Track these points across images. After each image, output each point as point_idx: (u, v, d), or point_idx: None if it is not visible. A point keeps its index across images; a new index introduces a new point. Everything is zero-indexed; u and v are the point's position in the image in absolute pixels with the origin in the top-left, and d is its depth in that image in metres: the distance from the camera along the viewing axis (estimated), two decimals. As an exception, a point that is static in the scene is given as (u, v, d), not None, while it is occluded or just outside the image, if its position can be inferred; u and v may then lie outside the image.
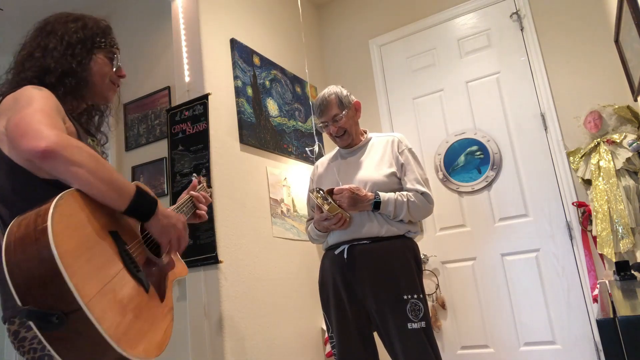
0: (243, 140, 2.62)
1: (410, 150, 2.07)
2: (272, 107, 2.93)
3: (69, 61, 1.21)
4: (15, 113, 1.03)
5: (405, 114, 3.34)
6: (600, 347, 2.53)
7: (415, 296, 1.86)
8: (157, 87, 2.94)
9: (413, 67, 3.37)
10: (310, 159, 3.15)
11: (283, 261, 2.72)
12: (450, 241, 3.06)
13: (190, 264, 2.32)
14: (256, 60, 2.89)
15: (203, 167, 2.39)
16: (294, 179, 2.99)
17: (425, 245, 3.03)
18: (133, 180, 2.88)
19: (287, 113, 3.06)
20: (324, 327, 2.62)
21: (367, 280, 1.90)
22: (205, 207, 1.52)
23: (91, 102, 1.31)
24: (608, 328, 0.81)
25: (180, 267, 1.33)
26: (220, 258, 2.28)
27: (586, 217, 2.62)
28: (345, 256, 1.95)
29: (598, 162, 2.49)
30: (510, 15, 3.06)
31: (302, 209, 2.95)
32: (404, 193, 1.95)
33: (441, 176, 3.14)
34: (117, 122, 3.04)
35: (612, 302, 1.09)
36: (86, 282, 0.88)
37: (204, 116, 2.44)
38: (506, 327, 2.82)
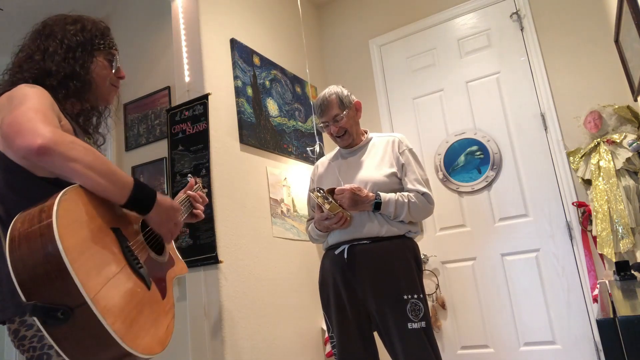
0: (243, 140, 2.62)
1: (410, 150, 2.07)
2: (272, 107, 2.93)
3: (71, 64, 1.22)
4: (9, 112, 1.03)
5: (405, 114, 3.34)
6: (600, 347, 2.53)
7: (416, 296, 1.86)
8: (157, 87, 2.94)
9: (413, 67, 3.37)
10: (310, 159, 3.15)
11: (283, 261, 2.72)
12: (450, 241, 3.06)
13: (190, 264, 2.32)
14: (256, 60, 2.89)
15: (203, 167, 2.39)
16: (294, 179, 2.99)
17: (425, 245, 3.03)
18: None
19: (287, 113, 3.06)
20: (324, 327, 2.62)
21: (367, 280, 1.90)
22: (202, 207, 1.53)
23: (92, 104, 1.31)
24: (608, 328, 0.81)
25: (180, 265, 1.33)
26: (220, 258, 2.28)
27: (586, 217, 2.62)
28: (345, 256, 1.95)
29: (598, 162, 2.49)
30: (510, 15, 3.06)
31: (302, 209, 2.95)
32: (405, 194, 1.95)
33: (441, 176, 3.14)
34: (117, 123, 3.04)
35: (612, 302, 1.09)
36: (91, 277, 0.88)
37: (204, 116, 2.44)
38: (506, 327, 2.82)
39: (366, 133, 2.19)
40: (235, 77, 2.68)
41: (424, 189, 1.98)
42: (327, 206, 1.87)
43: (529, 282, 2.80)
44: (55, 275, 0.85)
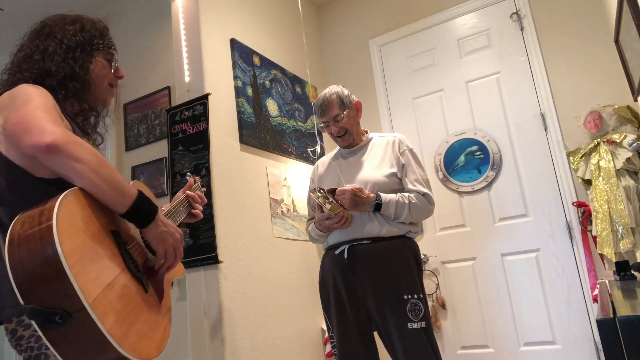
0: (243, 140, 2.62)
1: (411, 150, 2.07)
2: (272, 107, 2.93)
3: (70, 65, 1.22)
4: (13, 111, 1.03)
5: (405, 114, 3.34)
6: (600, 347, 2.53)
7: (416, 296, 1.87)
8: (157, 87, 2.94)
9: (413, 67, 3.37)
10: (310, 159, 3.15)
11: (283, 261, 2.72)
12: (450, 241, 3.06)
13: (190, 264, 2.32)
14: (256, 60, 2.89)
15: (203, 167, 2.39)
16: (294, 179, 2.99)
17: (425, 245, 3.03)
18: (133, 180, 2.88)
19: (287, 113, 3.06)
20: (324, 327, 2.62)
21: (368, 280, 1.90)
22: (200, 207, 1.53)
23: (90, 104, 1.31)
24: (608, 328, 0.81)
25: (177, 267, 1.33)
26: (220, 258, 2.28)
27: (586, 217, 2.62)
28: (345, 256, 1.95)
29: (598, 162, 2.49)
30: (510, 15, 3.06)
31: (302, 209, 2.95)
32: (405, 194, 1.95)
33: (441, 176, 3.14)
34: (115, 123, 3.04)
35: (612, 302, 1.09)
36: (90, 281, 0.88)
37: (204, 116, 2.44)
38: (506, 327, 2.82)
39: (366, 133, 2.19)
40: (235, 77, 2.68)
41: (425, 190, 1.98)
42: (327, 206, 1.87)
43: (529, 282, 2.80)
44: (54, 279, 0.84)
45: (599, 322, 0.84)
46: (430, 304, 2.92)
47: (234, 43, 2.73)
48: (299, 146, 3.10)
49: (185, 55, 2.57)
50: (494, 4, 3.13)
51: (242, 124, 2.63)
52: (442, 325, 2.99)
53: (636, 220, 2.33)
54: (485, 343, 2.87)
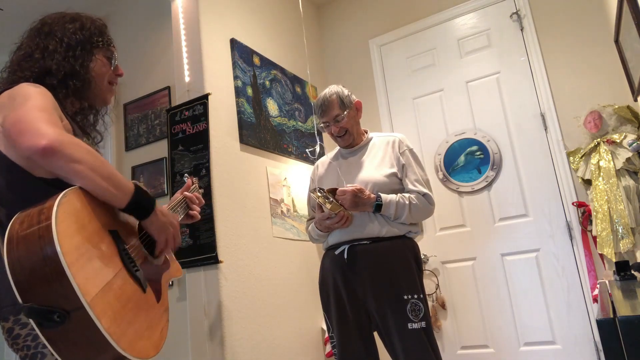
0: (243, 140, 2.62)
1: (411, 150, 2.07)
2: (272, 107, 2.93)
3: (71, 63, 1.22)
4: (12, 111, 1.03)
5: (405, 114, 3.34)
6: (600, 347, 2.53)
7: (416, 296, 1.86)
8: (157, 87, 2.94)
9: (413, 67, 3.37)
10: (310, 159, 3.15)
11: (283, 261, 2.72)
12: (450, 241, 3.06)
13: (190, 264, 2.32)
14: (256, 60, 2.89)
15: (203, 167, 2.39)
16: (294, 179, 2.99)
17: (425, 245, 3.03)
18: (132, 180, 2.88)
19: (287, 113, 3.06)
20: (324, 327, 2.62)
21: (368, 280, 1.90)
22: (198, 208, 1.53)
23: (90, 103, 1.32)
24: (608, 328, 0.81)
25: (175, 267, 1.33)
26: (220, 258, 2.28)
27: (586, 217, 2.62)
28: (345, 256, 1.95)
29: (598, 162, 2.49)
30: (510, 15, 3.06)
31: (302, 209, 2.95)
32: (406, 195, 1.95)
33: (441, 176, 3.14)
34: (115, 123, 3.04)
35: (612, 302, 1.09)
36: (88, 280, 0.88)
37: (204, 116, 2.44)
38: (506, 327, 2.82)
39: (366, 133, 2.19)
40: (235, 77, 2.68)
41: (425, 190, 1.98)
42: (328, 206, 1.87)
43: (529, 282, 2.80)
44: (53, 278, 0.84)
45: (599, 322, 0.84)
46: (430, 304, 2.92)
47: (234, 43, 2.73)
48: (299, 146, 3.10)
49: (185, 55, 2.57)
50: (494, 4, 3.13)
51: (242, 124, 2.63)
52: (442, 325, 2.99)
53: (636, 220, 2.33)
54: (485, 343, 2.87)
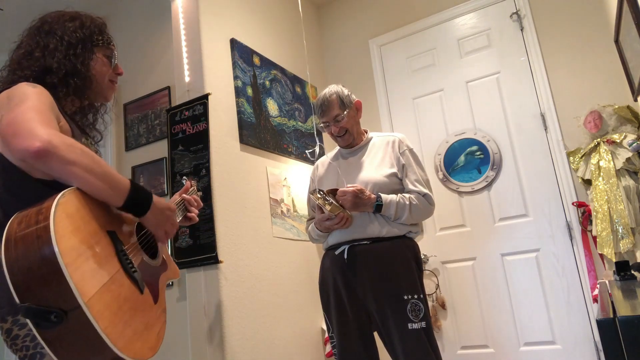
0: (243, 140, 2.62)
1: (411, 150, 2.07)
2: (272, 107, 2.93)
3: (72, 61, 1.21)
4: (8, 111, 1.03)
5: (405, 114, 3.34)
6: (600, 347, 2.53)
7: (416, 296, 1.86)
8: (157, 87, 2.94)
9: (413, 67, 3.37)
10: (310, 160, 3.15)
11: (283, 261, 2.72)
12: (450, 241, 3.06)
13: (190, 264, 2.32)
14: (256, 60, 2.89)
15: (203, 167, 2.39)
16: (294, 179, 2.99)
17: (425, 245, 3.03)
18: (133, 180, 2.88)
19: (287, 113, 3.06)
20: (324, 327, 2.62)
21: (368, 280, 1.90)
22: (196, 211, 1.53)
23: (90, 101, 1.32)
24: (608, 328, 0.81)
25: (173, 269, 1.33)
26: (220, 258, 2.28)
27: (586, 217, 2.62)
28: (345, 256, 1.94)
29: (598, 162, 2.49)
30: (510, 15, 3.06)
31: (302, 209, 2.95)
32: (406, 195, 1.95)
33: (441, 176, 3.14)
34: (115, 122, 3.04)
35: (612, 302, 1.09)
36: (86, 281, 0.88)
37: (204, 116, 2.44)
38: (506, 327, 2.82)
39: (366, 133, 2.19)
40: (235, 77, 2.68)
41: (425, 190, 1.98)
42: (327, 207, 1.87)
43: (529, 282, 2.80)
44: (50, 278, 0.84)
45: (599, 322, 0.84)
46: (430, 304, 2.92)
47: (234, 43, 2.73)
48: (299, 146, 3.10)
49: (185, 55, 2.57)
50: (494, 4, 3.13)
51: (242, 124, 2.63)
52: (442, 325, 2.99)
53: (636, 220, 2.33)
54: (485, 343, 2.87)
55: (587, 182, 2.60)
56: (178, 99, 2.58)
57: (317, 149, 3.16)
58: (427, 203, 1.97)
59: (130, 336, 0.95)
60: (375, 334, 1.99)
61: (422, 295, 1.89)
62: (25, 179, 1.06)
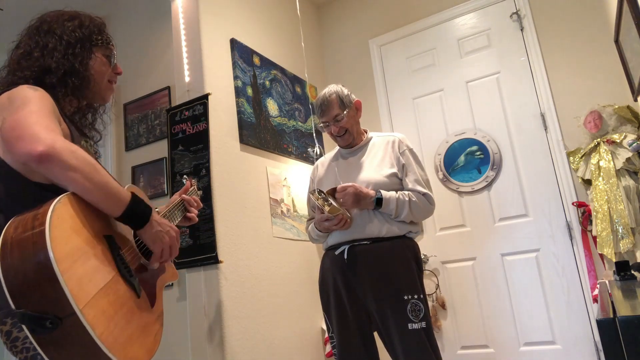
0: (243, 140, 2.62)
1: (411, 150, 2.07)
2: (272, 107, 2.93)
3: (71, 61, 1.21)
4: (10, 114, 1.02)
5: (405, 114, 3.34)
6: (600, 347, 2.53)
7: (416, 296, 1.86)
8: (157, 87, 2.94)
9: (413, 67, 3.37)
10: (310, 159, 3.15)
11: (283, 261, 2.72)
12: (450, 241, 3.06)
13: (190, 264, 2.32)
14: (256, 60, 2.89)
15: (203, 167, 2.39)
16: (294, 179, 2.99)
17: (425, 245, 3.03)
18: (133, 180, 2.88)
19: (287, 113, 3.06)
20: (324, 327, 2.62)
21: (368, 280, 1.90)
22: (196, 211, 1.53)
23: (89, 101, 1.31)
24: (608, 328, 0.81)
25: (171, 272, 1.33)
26: (220, 258, 2.28)
27: (586, 217, 2.62)
28: (345, 256, 1.94)
29: (598, 162, 2.49)
30: (510, 15, 3.06)
31: (302, 209, 2.95)
32: (406, 192, 1.95)
33: (441, 176, 3.14)
34: (115, 122, 3.04)
35: (612, 302, 1.09)
36: (81, 287, 0.88)
37: (204, 116, 2.44)
38: (506, 327, 2.82)
39: (366, 132, 2.19)
40: (235, 77, 2.68)
41: (425, 190, 1.98)
42: (327, 208, 1.87)
43: (529, 282, 2.80)
44: (45, 284, 0.84)
45: (599, 322, 0.84)
46: (430, 304, 2.92)
47: (234, 43, 2.73)
48: (299, 146, 3.10)
49: (185, 55, 2.57)
50: (494, 4, 3.13)
51: (242, 124, 2.63)
52: (442, 325, 2.99)
53: (636, 220, 2.33)
54: (485, 343, 2.87)
55: (587, 182, 2.60)
56: (178, 99, 2.58)
57: (316, 150, 3.16)
58: (426, 202, 1.97)
59: (127, 341, 0.95)
60: (375, 334, 1.99)
61: (422, 295, 1.89)
62: (24, 183, 1.06)
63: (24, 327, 0.85)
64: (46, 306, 0.84)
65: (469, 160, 3.08)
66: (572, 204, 2.71)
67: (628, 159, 2.38)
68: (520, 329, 2.78)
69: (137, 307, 1.04)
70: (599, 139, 2.52)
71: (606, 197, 2.41)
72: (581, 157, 2.62)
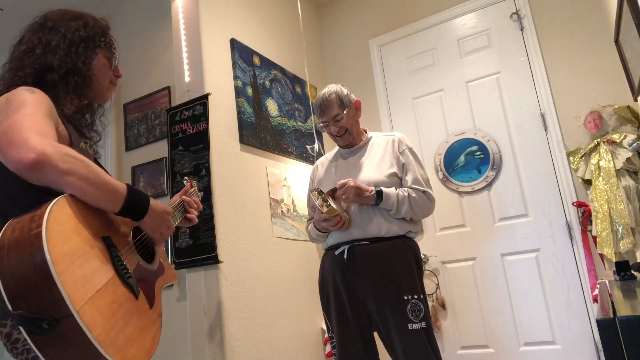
0: (243, 140, 2.62)
1: (410, 149, 2.07)
2: (272, 107, 2.93)
3: (73, 59, 1.21)
4: (5, 118, 1.02)
5: (405, 114, 3.34)
6: (600, 347, 2.53)
7: (416, 297, 1.86)
8: (157, 87, 2.94)
9: (413, 67, 3.37)
10: (310, 159, 3.15)
11: (283, 261, 2.72)
12: (450, 241, 3.06)
13: (190, 264, 2.32)
14: (256, 60, 2.89)
15: (203, 167, 2.39)
16: (294, 179, 2.99)
17: (425, 245, 3.03)
18: (133, 180, 2.88)
19: (287, 113, 3.06)
20: (324, 327, 2.62)
21: (368, 280, 1.90)
22: (196, 212, 1.53)
23: (89, 100, 1.31)
24: (608, 328, 0.81)
25: (170, 273, 1.33)
26: (220, 258, 2.28)
27: (586, 217, 2.62)
28: (345, 256, 1.94)
29: (598, 162, 2.49)
30: (510, 15, 3.06)
31: (302, 209, 2.95)
32: (405, 189, 1.96)
33: (441, 176, 3.14)
34: (115, 123, 3.04)
35: (612, 302, 1.09)
36: (78, 288, 0.88)
37: (204, 116, 2.44)
38: (506, 327, 2.82)
39: (365, 132, 2.19)
40: (235, 77, 2.68)
41: (424, 188, 1.99)
42: (325, 209, 1.87)
43: (529, 282, 2.80)
44: (42, 286, 0.84)
45: (599, 322, 0.84)
46: (430, 304, 2.92)
47: (234, 43, 2.73)
48: (299, 146, 3.10)
49: (185, 55, 2.57)
50: (494, 4, 3.13)
51: (242, 124, 2.63)
52: (442, 325, 2.99)
53: (636, 220, 2.33)
54: (485, 343, 2.87)
55: (587, 182, 2.60)
56: (178, 99, 2.58)
57: (316, 147, 3.16)
58: (426, 199, 1.98)
59: (124, 342, 0.95)
60: (375, 334, 1.98)
61: (422, 296, 1.89)
62: (21, 185, 1.05)
63: (21, 328, 0.85)
64: (43, 307, 0.84)
65: (469, 160, 3.08)
66: (572, 204, 2.71)
67: (628, 159, 2.38)
68: (520, 329, 2.78)
69: (136, 309, 1.04)
70: (599, 139, 2.52)
71: (606, 197, 2.41)
72: (581, 157, 2.62)
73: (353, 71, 3.57)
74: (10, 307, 0.85)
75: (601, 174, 2.46)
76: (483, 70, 3.11)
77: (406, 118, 3.33)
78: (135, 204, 1.11)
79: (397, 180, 2.01)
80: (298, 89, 3.24)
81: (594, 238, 2.51)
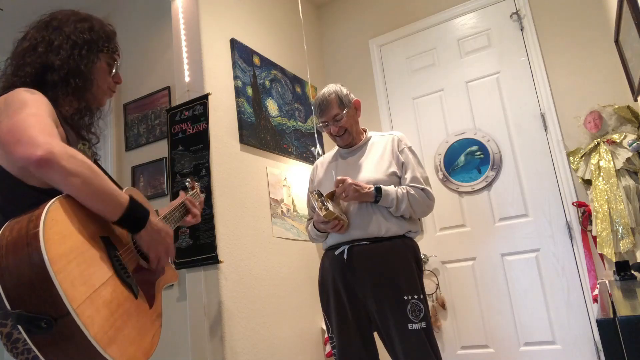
0: (243, 140, 2.62)
1: (410, 148, 2.07)
2: (272, 107, 2.93)
3: (76, 61, 1.20)
4: (7, 118, 1.02)
5: (405, 114, 3.34)
6: (600, 347, 2.53)
7: (416, 297, 1.86)
8: (157, 87, 2.94)
9: (413, 67, 3.37)
10: (310, 159, 3.15)
11: (283, 261, 2.72)
12: (450, 241, 3.06)
13: (190, 264, 2.32)
14: (256, 60, 2.89)
15: (203, 167, 2.39)
16: (294, 179, 2.99)
17: (425, 245, 3.03)
18: (133, 180, 2.88)
19: (287, 113, 3.06)
20: (324, 327, 2.62)
21: (368, 280, 1.90)
22: (197, 212, 1.53)
23: (88, 103, 1.31)
24: (608, 328, 0.81)
25: (170, 273, 1.33)
26: (220, 258, 2.28)
27: (586, 217, 2.62)
28: (345, 257, 1.94)
29: (598, 162, 2.49)
30: (510, 15, 3.06)
31: (302, 209, 2.95)
32: (404, 187, 1.96)
33: (441, 176, 3.14)
34: (115, 123, 3.04)
35: (612, 302, 1.09)
36: (76, 287, 0.88)
37: (204, 116, 2.44)
38: (506, 327, 2.82)
39: (365, 132, 2.19)
40: (235, 77, 2.68)
41: (423, 186, 1.99)
42: (323, 212, 1.87)
43: (529, 282, 2.80)
44: (39, 285, 0.85)
45: (599, 322, 0.84)
46: (430, 304, 2.92)
47: (234, 43, 2.73)
48: (299, 146, 3.10)
49: (185, 55, 2.57)
50: (494, 4, 3.13)
51: (242, 124, 2.63)
52: (442, 325, 2.99)
53: (636, 220, 2.33)
54: (485, 343, 2.87)
55: (587, 182, 2.60)
56: (178, 99, 2.58)
57: (318, 149, 3.16)
58: (425, 197, 1.98)
59: (123, 342, 0.95)
60: (375, 334, 1.98)
61: (422, 296, 1.89)
62: (19, 186, 1.05)
63: (19, 327, 0.85)
64: (41, 307, 0.85)
65: (469, 160, 3.08)
66: (572, 204, 2.71)
67: (628, 159, 2.38)
68: (520, 329, 2.78)
69: (135, 308, 1.04)
70: (599, 139, 2.52)
71: (606, 197, 2.41)
72: (581, 157, 2.62)
73: (353, 71, 3.57)
74: (9, 307, 0.85)
75: (601, 174, 2.46)
76: (483, 70, 3.11)
77: (406, 118, 3.33)
78: (134, 217, 1.10)
79: (396, 179, 2.01)
80: (298, 89, 3.24)
81: (594, 238, 2.51)
